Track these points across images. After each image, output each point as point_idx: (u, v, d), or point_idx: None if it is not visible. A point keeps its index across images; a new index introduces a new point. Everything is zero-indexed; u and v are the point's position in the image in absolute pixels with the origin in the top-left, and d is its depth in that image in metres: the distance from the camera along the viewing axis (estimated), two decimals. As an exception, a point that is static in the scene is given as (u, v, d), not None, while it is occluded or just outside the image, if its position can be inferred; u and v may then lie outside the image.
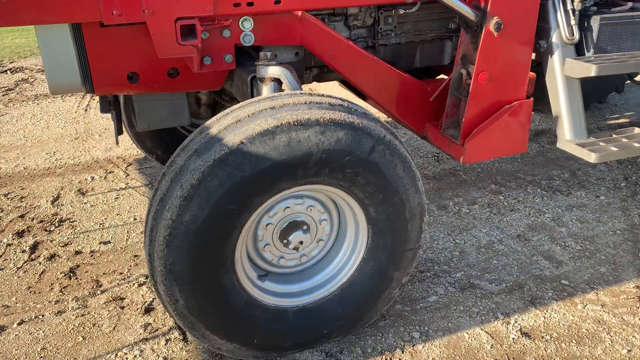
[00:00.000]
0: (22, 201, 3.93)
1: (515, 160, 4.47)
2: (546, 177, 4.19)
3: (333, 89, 5.32)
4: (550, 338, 2.63)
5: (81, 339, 2.65)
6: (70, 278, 3.09)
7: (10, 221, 3.67)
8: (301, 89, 2.40)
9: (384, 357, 2.52)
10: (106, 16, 2.22)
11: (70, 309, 2.85)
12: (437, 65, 3.39)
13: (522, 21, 2.69)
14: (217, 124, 2.10)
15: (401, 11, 3.02)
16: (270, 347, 2.44)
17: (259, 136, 1.99)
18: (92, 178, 4.26)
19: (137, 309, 2.84)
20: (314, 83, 3.29)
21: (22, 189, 4.12)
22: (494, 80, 2.74)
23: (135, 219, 3.67)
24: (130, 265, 3.19)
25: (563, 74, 2.90)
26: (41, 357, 2.55)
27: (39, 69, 7.36)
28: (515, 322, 2.73)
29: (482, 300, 2.87)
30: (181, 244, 2.03)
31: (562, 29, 2.86)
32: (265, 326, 2.37)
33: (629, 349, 2.56)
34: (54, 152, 4.77)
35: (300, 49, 2.82)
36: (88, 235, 3.49)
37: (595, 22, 2.88)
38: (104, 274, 3.13)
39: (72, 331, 2.70)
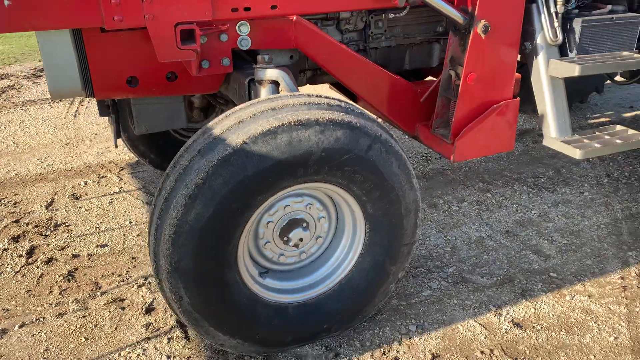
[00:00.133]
0: (15, 207, 3.94)
1: (502, 159, 4.60)
2: (532, 175, 4.31)
3: (323, 91, 5.39)
4: (541, 328, 2.73)
5: (83, 339, 2.68)
6: (69, 281, 3.11)
7: (5, 226, 3.68)
8: (298, 91, 2.47)
9: (382, 349, 2.59)
10: (107, 22, 2.27)
11: (70, 310, 2.88)
12: (426, 68, 3.49)
13: (508, 24, 2.80)
14: (219, 125, 2.16)
15: (391, 15, 3.12)
16: (271, 342, 2.50)
17: (261, 136, 2.06)
18: (86, 183, 4.28)
19: (138, 309, 2.88)
20: (307, 86, 3.36)
21: (15, 194, 4.13)
22: (482, 81, 2.84)
23: (130, 222, 3.71)
24: (129, 267, 3.23)
25: (548, 74, 3.02)
26: (44, 358, 2.57)
27: (25, 75, 7.34)
28: (507, 313, 2.82)
29: (475, 294, 2.97)
30: (186, 242, 2.08)
31: (546, 31, 2.97)
32: (267, 322, 2.43)
33: (615, 336, 2.67)
34: (45, 158, 4.77)
35: (295, 53, 2.89)
36: (84, 239, 3.52)
37: (577, 24, 3.01)
38: (102, 276, 3.16)
39: (74, 332, 2.73)
